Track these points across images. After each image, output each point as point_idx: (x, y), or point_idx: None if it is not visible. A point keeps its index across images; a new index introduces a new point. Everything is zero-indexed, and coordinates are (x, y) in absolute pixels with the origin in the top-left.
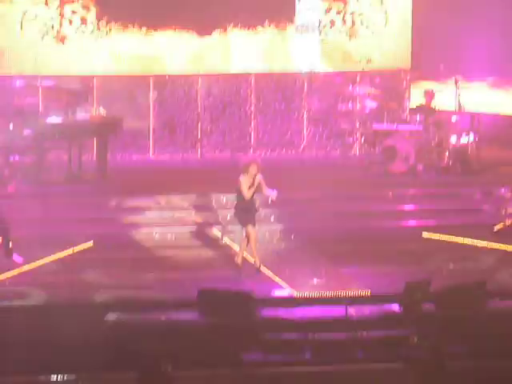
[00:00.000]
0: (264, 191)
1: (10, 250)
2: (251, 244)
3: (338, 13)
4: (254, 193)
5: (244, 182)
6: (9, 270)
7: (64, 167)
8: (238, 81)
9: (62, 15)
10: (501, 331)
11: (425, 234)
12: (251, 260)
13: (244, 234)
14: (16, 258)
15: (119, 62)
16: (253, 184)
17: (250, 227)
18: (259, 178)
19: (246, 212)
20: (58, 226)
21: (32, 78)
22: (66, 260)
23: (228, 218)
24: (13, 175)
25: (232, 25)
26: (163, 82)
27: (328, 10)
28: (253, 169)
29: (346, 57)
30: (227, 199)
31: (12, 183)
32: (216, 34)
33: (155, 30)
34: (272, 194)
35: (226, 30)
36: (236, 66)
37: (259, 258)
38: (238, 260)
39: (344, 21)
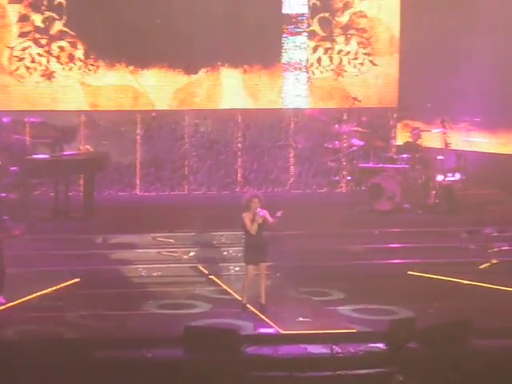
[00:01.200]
0: (269, 221)
1: (1, 289)
2: (261, 282)
3: (326, 52)
4: (260, 228)
5: (246, 217)
6: None
7: (51, 204)
8: (225, 118)
9: (49, 52)
10: (486, 370)
11: (410, 272)
12: (237, 297)
13: (250, 272)
14: (1, 299)
15: (106, 98)
16: (254, 219)
17: (260, 265)
18: (261, 213)
19: (253, 249)
20: (45, 262)
21: (19, 114)
22: (53, 296)
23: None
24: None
25: (219, 63)
26: (150, 119)
27: (315, 49)
28: (254, 203)
29: (332, 95)
30: (214, 236)
31: (19, 227)
32: (203, 71)
33: (142, 67)
34: (277, 215)
35: (213, 67)
36: (223, 103)
37: (265, 298)
38: (244, 300)
39: (331, 59)
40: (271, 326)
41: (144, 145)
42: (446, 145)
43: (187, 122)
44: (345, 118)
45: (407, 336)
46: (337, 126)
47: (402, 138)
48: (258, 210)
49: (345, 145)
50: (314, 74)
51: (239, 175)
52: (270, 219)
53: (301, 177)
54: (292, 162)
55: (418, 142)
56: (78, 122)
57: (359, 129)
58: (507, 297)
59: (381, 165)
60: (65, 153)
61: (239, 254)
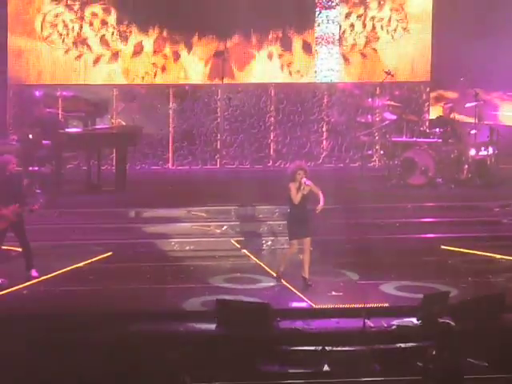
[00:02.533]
0: (319, 192)
1: (31, 263)
2: (305, 257)
3: (358, 18)
4: (304, 200)
5: (292, 187)
6: (28, 280)
7: (83, 178)
8: (257, 92)
9: (82, 17)
10: None
11: (443, 247)
12: (271, 271)
13: (294, 246)
14: (34, 273)
15: (139, 72)
16: (299, 188)
17: (304, 239)
18: (307, 182)
19: (297, 223)
20: (78, 236)
21: (52, 88)
22: (86, 270)
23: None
24: (38, 195)
25: (253, 32)
26: (183, 93)
27: (348, 16)
28: (299, 174)
29: (365, 69)
30: (246, 210)
31: (38, 202)
32: (237, 42)
33: (175, 37)
34: (319, 206)
35: (246, 39)
36: (256, 77)
37: (308, 272)
38: (280, 270)
39: (364, 25)
40: (304, 300)
41: (177, 118)
42: (479, 119)
43: (220, 96)
44: (378, 92)
45: (440, 310)
46: (370, 100)
47: (435, 112)
48: (304, 180)
49: (378, 119)
50: (346, 41)
51: (272, 149)
52: (317, 190)
53: (333, 151)
54: (325, 136)
55: (450, 116)
56: (110, 95)
57: (392, 103)
58: None
59: (414, 139)
60: (97, 126)
61: (272, 228)
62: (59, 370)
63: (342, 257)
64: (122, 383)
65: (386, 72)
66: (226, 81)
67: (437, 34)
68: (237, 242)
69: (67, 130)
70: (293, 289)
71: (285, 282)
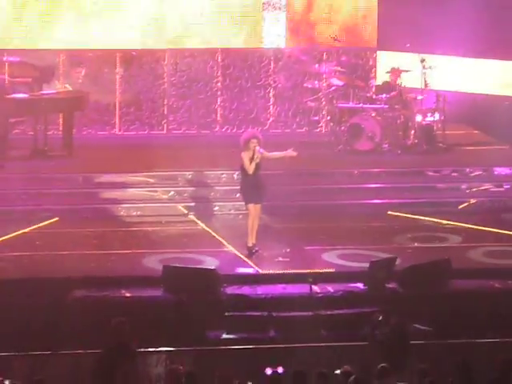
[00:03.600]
0: (276, 155)
1: None
2: (249, 221)
3: None
4: (258, 168)
5: (246, 156)
6: None
7: (29, 143)
8: (204, 57)
9: None
10: (464, 309)
11: (390, 212)
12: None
13: (252, 212)
14: None
15: (86, 36)
16: (253, 158)
17: (254, 205)
18: (260, 150)
19: (251, 189)
20: (23, 201)
21: None
22: (31, 235)
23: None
24: None
25: None
26: (130, 58)
27: None
28: (253, 143)
29: (312, 34)
30: (193, 176)
31: None
32: (184, 7)
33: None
34: (286, 152)
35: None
36: (204, 42)
37: (255, 238)
38: (249, 242)
39: None
40: (250, 266)
41: (123, 84)
42: (426, 85)
43: (167, 61)
44: (324, 57)
45: (387, 276)
46: (317, 65)
47: (381, 77)
48: (258, 148)
49: (324, 85)
50: (294, 12)
51: (218, 115)
52: (278, 153)
53: (280, 116)
54: (271, 101)
55: (397, 82)
56: (57, 60)
57: (339, 68)
58: (485, 237)
59: (360, 105)
60: (44, 92)
61: (218, 194)
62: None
63: (287, 222)
64: (69, 348)
65: (333, 38)
66: (172, 46)
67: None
68: (184, 207)
69: (13, 95)
70: (239, 255)
71: (231, 248)
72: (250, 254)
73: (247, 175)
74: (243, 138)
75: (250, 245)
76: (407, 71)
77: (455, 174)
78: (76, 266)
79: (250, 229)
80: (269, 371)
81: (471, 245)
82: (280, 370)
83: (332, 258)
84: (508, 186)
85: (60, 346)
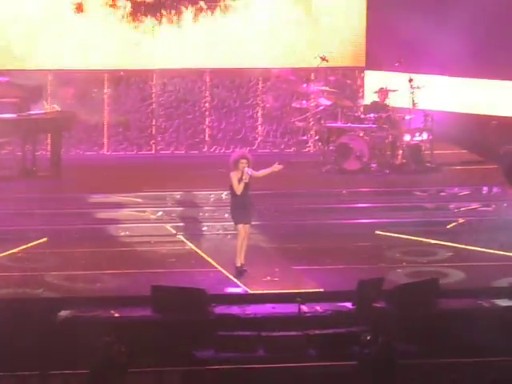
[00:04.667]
0: (264, 173)
1: None
2: (238, 241)
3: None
4: (246, 188)
5: (234, 177)
6: None
7: (18, 163)
8: (192, 77)
9: None
10: (452, 329)
11: (378, 232)
12: (205, 257)
13: (241, 232)
14: None
15: (74, 57)
16: (242, 178)
17: (243, 225)
18: (248, 172)
19: (240, 209)
20: (12, 222)
21: None
22: (19, 255)
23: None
24: None
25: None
26: (118, 78)
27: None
28: (242, 164)
29: (300, 54)
30: (181, 196)
31: None
32: (171, 29)
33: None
34: (272, 167)
35: (181, 25)
36: (191, 63)
37: (243, 258)
38: (238, 262)
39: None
40: (239, 286)
41: (112, 104)
42: (414, 104)
43: (155, 82)
44: (312, 77)
45: (375, 296)
46: (305, 85)
47: (369, 97)
48: (246, 169)
49: (312, 104)
50: (281, 30)
51: (207, 135)
52: (264, 171)
53: (268, 136)
54: (260, 121)
55: (385, 102)
56: (45, 81)
57: (327, 88)
58: (473, 256)
59: (349, 124)
60: (32, 112)
61: (207, 214)
62: None
63: (276, 242)
64: (58, 369)
65: (321, 57)
66: (160, 66)
67: (371, 18)
68: (172, 227)
69: (1, 115)
70: (228, 274)
71: (220, 268)
72: (239, 273)
73: (236, 196)
74: (232, 158)
75: (238, 265)
76: (395, 91)
77: (443, 194)
78: (64, 286)
79: (239, 249)
80: None
81: (459, 264)
82: None
83: (320, 276)
84: (496, 205)
85: (48, 366)
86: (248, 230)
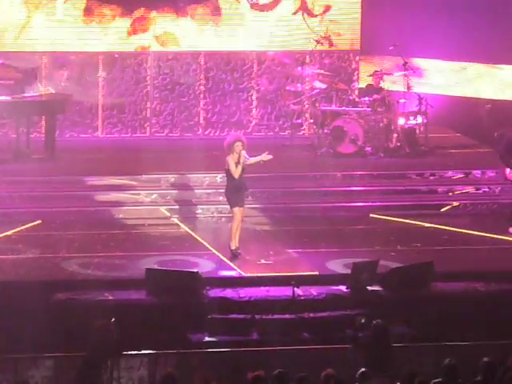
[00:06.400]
0: (253, 160)
1: None
2: (234, 224)
3: None
4: (243, 171)
5: (231, 160)
6: None
7: (12, 145)
8: (187, 60)
9: None
10: (446, 312)
11: (372, 215)
12: (200, 239)
13: (237, 216)
14: None
15: (70, 39)
16: (239, 162)
17: (239, 208)
18: (246, 155)
19: (236, 192)
20: (6, 205)
21: None
22: (14, 238)
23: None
24: None
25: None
26: (112, 60)
27: None
28: (237, 147)
29: (295, 37)
30: (176, 179)
31: None
32: (167, 10)
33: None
34: (262, 156)
35: (178, 8)
36: (187, 45)
37: (238, 241)
38: (233, 246)
39: None
40: (233, 269)
41: (106, 86)
42: (408, 88)
43: (150, 64)
44: (307, 60)
45: (369, 279)
46: (300, 68)
47: (364, 80)
48: (243, 153)
49: (307, 88)
50: (278, 14)
51: (201, 117)
52: (254, 158)
53: (263, 120)
54: (254, 104)
55: (380, 85)
56: (39, 63)
57: (322, 71)
58: (467, 240)
59: (343, 108)
60: (26, 94)
61: (201, 197)
62: None
63: (271, 225)
64: (51, 351)
65: (316, 41)
66: (155, 48)
67: (367, 3)
68: (167, 210)
69: None
70: (222, 257)
71: (214, 251)
72: (233, 256)
73: (233, 179)
74: (227, 141)
75: (233, 248)
76: (390, 74)
77: (438, 177)
78: (59, 269)
79: (234, 232)
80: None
81: (454, 248)
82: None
83: (316, 261)
84: (490, 189)
85: (43, 349)
86: (243, 214)
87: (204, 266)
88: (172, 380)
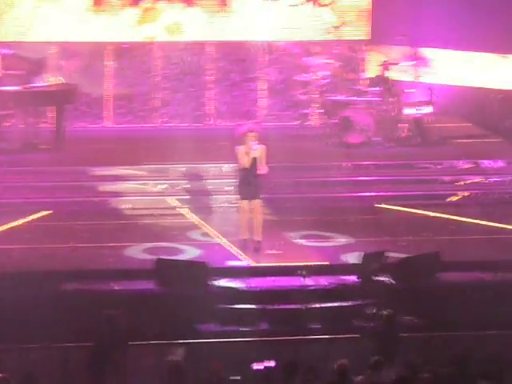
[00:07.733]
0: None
1: None
2: (254, 219)
3: None
4: (254, 162)
5: (240, 150)
6: None
7: (20, 136)
8: (196, 50)
9: None
10: (454, 301)
11: (382, 205)
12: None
13: (245, 208)
14: None
15: (79, 29)
16: (248, 152)
17: (253, 201)
18: (255, 145)
19: (244, 184)
20: (15, 195)
21: None
22: (22, 228)
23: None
24: None
25: None
26: (121, 51)
27: None
28: (249, 138)
29: (304, 27)
30: (185, 169)
31: None
32: (176, 0)
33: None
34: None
35: None
36: (194, 35)
37: (261, 233)
38: (244, 236)
39: None
40: (242, 259)
41: (115, 77)
42: (417, 77)
43: (159, 54)
44: (317, 50)
45: (378, 269)
46: (309, 58)
47: (373, 70)
48: (253, 143)
49: (316, 77)
50: (287, 3)
51: (211, 108)
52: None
53: (272, 110)
54: (264, 94)
55: (389, 75)
56: (49, 53)
57: (331, 61)
58: (476, 230)
59: (353, 98)
60: (35, 84)
61: (210, 187)
62: None
63: (280, 215)
64: (60, 342)
65: (326, 30)
66: (164, 38)
67: None
68: (176, 200)
69: (4, 87)
70: (231, 247)
71: (224, 241)
72: (243, 246)
73: (242, 170)
74: (240, 131)
75: (245, 238)
76: (399, 64)
77: (447, 167)
78: (67, 259)
79: (243, 223)
80: (256, 366)
81: (462, 238)
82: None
83: (324, 249)
84: (500, 179)
85: (50, 339)
86: (258, 206)
87: (213, 257)
88: (179, 370)
